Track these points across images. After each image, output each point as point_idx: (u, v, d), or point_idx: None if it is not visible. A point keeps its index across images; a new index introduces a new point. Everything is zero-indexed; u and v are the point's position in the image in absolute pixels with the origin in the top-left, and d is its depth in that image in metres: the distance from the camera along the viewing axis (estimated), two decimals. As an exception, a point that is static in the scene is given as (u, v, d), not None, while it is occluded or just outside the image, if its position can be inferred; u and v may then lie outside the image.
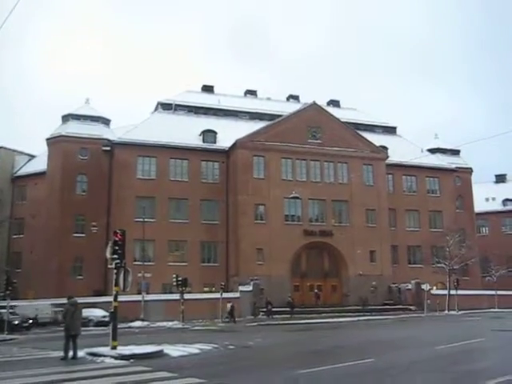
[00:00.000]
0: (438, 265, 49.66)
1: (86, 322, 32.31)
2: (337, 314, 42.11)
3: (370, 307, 45.20)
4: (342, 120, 54.76)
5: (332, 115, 53.99)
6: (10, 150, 59.49)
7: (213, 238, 50.22)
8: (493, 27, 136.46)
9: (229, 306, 39.33)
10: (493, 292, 52.01)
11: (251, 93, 65.94)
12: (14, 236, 55.45)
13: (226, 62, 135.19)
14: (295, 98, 66.00)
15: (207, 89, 63.63)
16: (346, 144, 52.65)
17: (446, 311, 46.74)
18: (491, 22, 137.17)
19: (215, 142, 52.95)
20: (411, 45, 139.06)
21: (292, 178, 50.56)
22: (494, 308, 49.79)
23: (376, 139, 56.87)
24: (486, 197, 72.56)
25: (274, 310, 41.82)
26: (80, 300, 17.82)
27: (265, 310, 42.22)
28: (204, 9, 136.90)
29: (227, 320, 38.27)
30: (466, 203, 63.63)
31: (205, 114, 57.73)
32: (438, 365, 14.07)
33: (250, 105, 61.16)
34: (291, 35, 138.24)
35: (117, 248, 17.33)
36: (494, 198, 74.13)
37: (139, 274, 37.77)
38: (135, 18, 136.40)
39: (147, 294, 40.70)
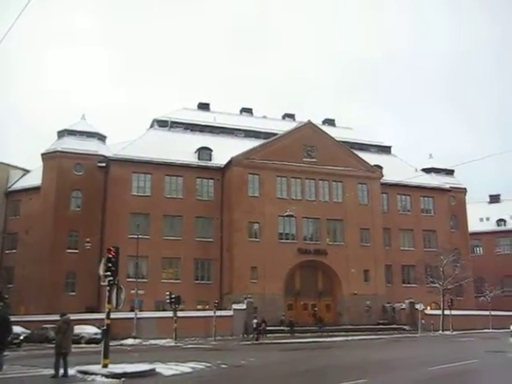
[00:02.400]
0: (432, 285, 49.66)
1: (78, 339, 31.97)
2: (330, 334, 41.99)
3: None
4: (337, 139, 54.96)
5: (327, 134, 54.22)
6: (4, 164, 59.35)
7: (206, 255, 50.06)
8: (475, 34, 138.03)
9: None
10: (487, 312, 51.92)
11: (247, 111, 66.18)
12: (7, 251, 55.13)
13: (222, 79, 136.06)
14: (291, 116, 66.34)
15: (203, 106, 63.90)
16: (341, 163, 52.82)
17: (440, 331, 46.60)
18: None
19: (210, 160, 53.03)
20: (401, 65, 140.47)
21: (287, 196, 50.60)
22: (488, 328, 49.64)
23: (371, 158, 57.13)
24: (480, 217, 72.89)
25: (268, 328, 41.49)
26: (72, 316, 17.63)
27: (260, 328, 41.75)
28: (201, 26, 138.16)
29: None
30: (460, 223, 63.78)
31: (200, 131, 57.90)
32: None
33: (245, 123, 61.41)
34: (288, 53, 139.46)
35: (110, 265, 17.23)
36: (488, 218, 74.43)
37: (132, 291, 37.59)
38: (132, 34, 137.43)
39: (140, 311, 40.39)
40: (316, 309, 48.94)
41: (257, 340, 37.48)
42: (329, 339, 37.36)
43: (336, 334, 42.04)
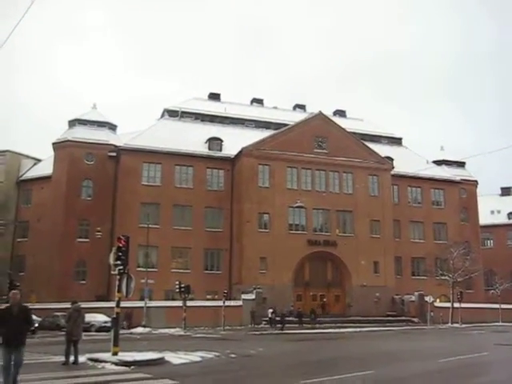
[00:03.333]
0: (442, 277, 49.45)
1: (88, 327, 32.22)
2: (339, 325, 42.04)
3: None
4: (348, 130, 54.71)
5: (338, 125, 53.97)
6: (16, 153, 59.73)
7: (216, 245, 50.18)
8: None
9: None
10: (496, 306, 51.69)
11: (258, 101, 66.02)
12: (19, 239, 55.50)
13: (233, 70, 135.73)
14: (301, 107, 66.13)
15: (214, 96, 63.79)
16: (352, 154, 52.60)
17: (449, 324, 46.52)
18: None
19: (221, 150, 52.99)
20: (414, 57, 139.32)
21: (297, 187, 50.53)
22: (498, 322, 49.46)
23: (382, 150, 56.85)
24: (491, 209, 72.36)
25: (276, 319, 41.16)
26: (82, 305, 17.80)
27: (278, 319, 41.37)
28: (213, 17, 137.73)
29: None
30: (471, 216, 63.40)
31: (211, 121, 57.84)
32: (439, 378, 14.02)
33: (256, 113, 61.28)
34: (299, 44, 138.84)
35: (120, 254, 17.31)
36: (499, 211, 73.86)
37: (142, 280, 37.73)
38: (144, 24, 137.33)
39: (150, 300, 40.66)
40: (325, 300, 49.05)
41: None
42: (337, 330, 37.42)
43: (345, 325, 42.08)
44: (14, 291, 10.79)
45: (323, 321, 44.04)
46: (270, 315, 41.37)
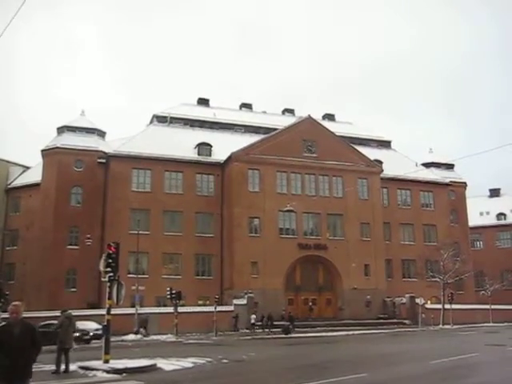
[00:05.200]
0: (433, 279, 49.66)
1: (81, 336, 31.89)
2: (331, 328, 42.05)
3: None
4: (337, 134, 54.87)
5: (327, 129, 54.14)
6: (4, 160, 59.29)
7: (207, 250, 50.10)
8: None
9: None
10: (487, 306, 51.96)
11: (246, 106, 66.08)
12: (8, 248, 55.16)
13: (221, 75, 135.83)
14: (290, 111, 66.23)
15: (202, 102, 63.78)
16: (341, 158, 52.76)
17: (441, 325, 46.64)
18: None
19: (210, 155, 52.99)
20: (401, 63, 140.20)
21: (287, 191, 50.59)
22: (489, 322, 49.72)
23: (371, 153, 57.09)
24: (480, 211, 72.78)
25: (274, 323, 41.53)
26: (73, 313, 17.70)
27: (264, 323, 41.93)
28: (201, 23, 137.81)
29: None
30: (460, 217, 63.76)
31: (200, 126, 57.79)
32: (431, 380, 14.05)
33: (245, 118, 61.29)
34: (289, 49, 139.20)
35: (110, 261, 17.27)
36: (488, 213, 74.34)
37: (133, 287, 37.58)
38: (132, 30, 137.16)
39: (141, 306, 40.47)
40: (310, 303, 48.97)
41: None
42: (329, 334, 37.41)
43: (337, 328, 42.09)
44: (14, 303, 7.85)
45: (314, 324, 44.14)
46: (252, 321, 41.52)
